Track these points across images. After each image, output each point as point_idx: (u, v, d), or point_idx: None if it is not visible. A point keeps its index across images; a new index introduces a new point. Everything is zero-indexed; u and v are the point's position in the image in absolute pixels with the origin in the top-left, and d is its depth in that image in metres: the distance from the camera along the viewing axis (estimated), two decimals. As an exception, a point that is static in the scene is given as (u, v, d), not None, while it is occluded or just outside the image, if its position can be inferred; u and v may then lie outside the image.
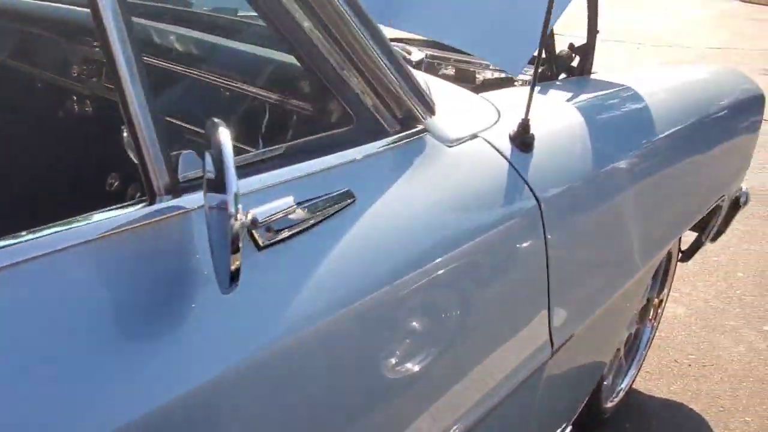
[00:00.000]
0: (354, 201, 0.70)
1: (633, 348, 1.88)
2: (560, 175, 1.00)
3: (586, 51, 1.52)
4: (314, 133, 0.74)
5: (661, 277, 1.86)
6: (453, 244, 0.80)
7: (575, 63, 1.57)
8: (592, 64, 1.58)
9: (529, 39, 1.14)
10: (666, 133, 1.29)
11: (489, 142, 0.94)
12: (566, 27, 1.61)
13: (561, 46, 1.56)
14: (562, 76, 1.72)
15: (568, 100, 1.23)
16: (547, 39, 1.45)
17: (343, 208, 0.69)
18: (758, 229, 3.09)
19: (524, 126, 0.96)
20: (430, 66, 2.24)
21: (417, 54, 1.96)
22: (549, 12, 0.89)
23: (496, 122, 1.01)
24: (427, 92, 0.88)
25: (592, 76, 1.56)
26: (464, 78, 2.11)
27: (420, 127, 0.84)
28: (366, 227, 0.71)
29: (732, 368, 2.10)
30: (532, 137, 0.97)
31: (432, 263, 0.76)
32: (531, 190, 0.93)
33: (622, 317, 1.48)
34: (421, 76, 0.98)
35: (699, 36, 8.15)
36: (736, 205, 1.96)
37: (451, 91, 1.12)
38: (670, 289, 1.99)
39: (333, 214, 0.68)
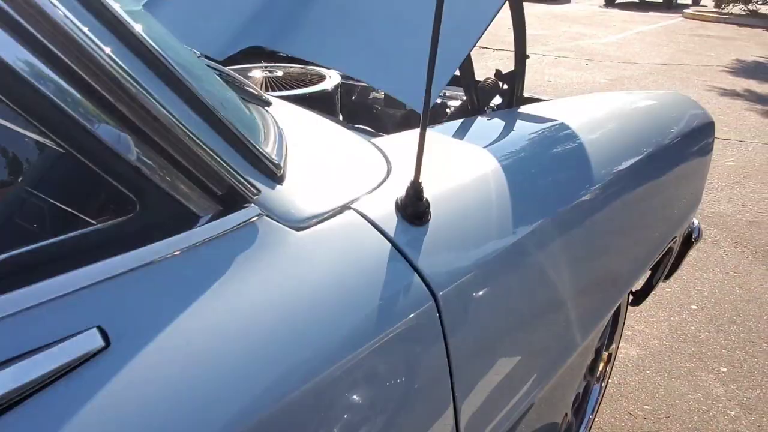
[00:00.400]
0: (106, 347, 0.44)
1: (581, 409, 1.66)
2: (465, 254, 0.75)
3: (515, 78, 1.30)
4: (55, 233, 0.47)
5: (610, 328, 1.65)
6: (300, 381, 0.54)
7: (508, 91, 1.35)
8: (522, 92, 1.36)
9: (438, 69, 0.90)
10: (606, 180, 1.06)
11: (364, 216, 0.69)
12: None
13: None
14: (498, 100, 1.50)
15: (486, 145, 0.99)
16: (467, 66, 1.23)
17: (82, 362, 0.42)
18: (710, 255, 2.96)
19: (414, 190, 0.71)
20: (363, 89, 2.01)
21: (335, 77, 1.72)
22: (436, 33, 0.65)
23: (381, 184, 0.75)
24: (270, 151, 0.63)
25: (528, 107, 1.34)
26: (394, 104, 1.88)
27: (250, 206, 0.58)
28: (125, 390, 0.44)
29: (690, 420, 1.91)
30: (426, 204, 0.72)
31: (265, 413, 0.51)
32: (423, 280, 0.68)
33: (564, 393, 1.25)
34: (271, 121, 0.72)
35: (645, 52, 8.24)
36: (688, 242, 1.81)
37: (328, 140, 0.87)
38: (619, 343, 1.79)
39: (60, 377, 0.41)
